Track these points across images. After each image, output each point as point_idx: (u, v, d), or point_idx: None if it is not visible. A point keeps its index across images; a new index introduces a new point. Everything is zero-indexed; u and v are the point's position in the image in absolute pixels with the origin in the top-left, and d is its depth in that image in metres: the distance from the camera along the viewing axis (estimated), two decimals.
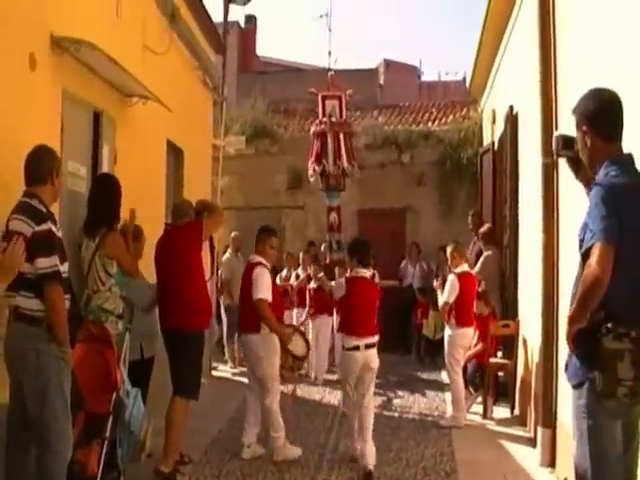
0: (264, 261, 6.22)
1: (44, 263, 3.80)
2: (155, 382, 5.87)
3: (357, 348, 5.83)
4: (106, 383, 4.61)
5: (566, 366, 3.25)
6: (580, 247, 3.12)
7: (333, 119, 9.99)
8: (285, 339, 6.16)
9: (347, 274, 6.32)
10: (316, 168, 10.01)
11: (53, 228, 3.91)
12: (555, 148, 3.72)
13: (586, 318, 3.00)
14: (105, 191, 5.12)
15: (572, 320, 3.06)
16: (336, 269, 9.32)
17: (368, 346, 5.87)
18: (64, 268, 3.98)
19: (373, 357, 5.91)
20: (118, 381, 4.66)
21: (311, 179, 10.38)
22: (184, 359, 5.57)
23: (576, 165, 3.56)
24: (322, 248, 10.78)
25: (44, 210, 3.94)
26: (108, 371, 4.63)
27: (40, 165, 4.06)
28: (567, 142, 3.58)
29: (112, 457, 4.64)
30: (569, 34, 5.72)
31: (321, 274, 9.00)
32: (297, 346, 6.46)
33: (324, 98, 10.29)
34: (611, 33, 4.60)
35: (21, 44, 4.57)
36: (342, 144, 9.90)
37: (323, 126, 10.05)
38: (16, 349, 3.87)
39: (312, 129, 10.32)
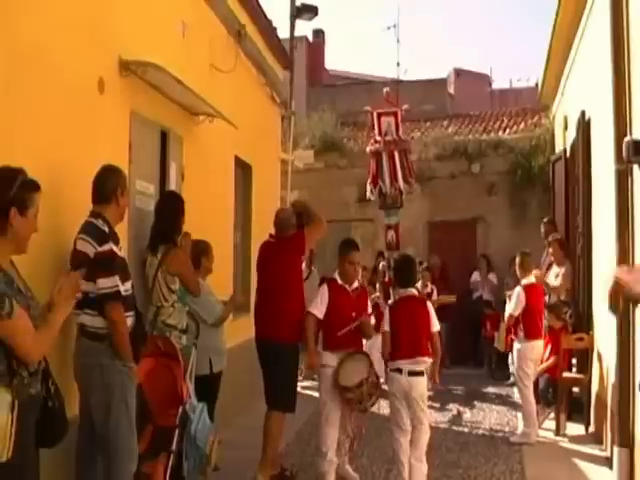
0: (336, 277, 5.89)
1: (105, 283, 3.90)
2: (223, 396, 5.95)
3: (400, 371, 5.51)
4: (173, 397, 4.69)
5: None
6: None
7: (388, 137, 9.71)
8: (310, 360, 5.78)
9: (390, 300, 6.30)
10: (373, 190, 9.83)
11: (114, 248, 4.01)
12: (626, 155, 3.59)
13: None
14: (167, 208, 5.23)
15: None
16: (391, 289, 8.94)
17: (412, 373, 5.49)
18: (126, 287, 4.08)
19: (418, 385, 5.51)
20: (184, 395, 4.73)
21: (370, 199, 10.20)
22: (279, 371, 5.75)
23: None
24: (380, 266, 10.71)
25: (107, 230, 4.04)
26: (175, 385, 4.71)
27: (105, 185, 4.18)
28: (638, 148, 3.42)
29: (178, 470, 4.71)
30: None
31: (375, 294, 8.95)
32: (353, 373, 5.52)
33: (379, 115, 10.00)
34: None
35: (90, 69, 4.73)
36: (397, 163, 9.64)
37: (378, 145, 9.81)
38: (82, 365, 4.01)
39: (368, 148, 10.11)
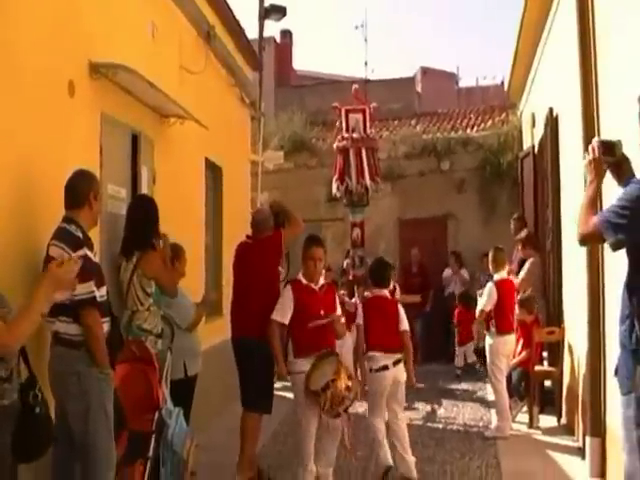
0: (300, 277, 5.58)
1: (80, 289, 3.80)
2: (197, 398, 5.93)
3: (386, 368, 5.80)
4: (148, 402, 4.65)
5: (616, 370, 3.16)
6: None
7: (355, 135, 9.60)
8: (279, 370, 5.59)
9: (365, 295, 6.43)
10: (340, 187, 9.70)
11: (89, 253, 3.95)
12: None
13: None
14: (140, 212, 5.18)
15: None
16: (355, 287, 9.16)
17: (396, 362, 5.84)
18: (102, 292, 4.04)
19: (401, 372, 5.89)
20: (160, 400, 4.71)
21: (336, 196, 10.08)
22: (255, 371, 5.71)
23: (618, 170, 3.44)
24: (345, 264, 10.65)
25: (80, 235, 3.98)
26: (150, 390, 4.67)
27: (77, 189, 4.11)
28: (607, 147, 3.46)
29: (156, 476, 4.67)
30: (610, 31, 5.62)
31: (341, 292, 8.98)
32: (321, 377, 5.19)
33: (347, 112, 9.90)
34: None
35: (60, 72, 4.68)
36: (364, 160, 9.54)
37: (345, 142, 9.71)
38: (58, 373, 3.93)
39: (335, 145, 10.01)
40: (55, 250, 3.88)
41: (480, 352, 9.83)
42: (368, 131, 9.81)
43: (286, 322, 5.46)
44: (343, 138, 9.69)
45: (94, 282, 3.92)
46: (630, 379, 2.94)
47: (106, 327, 4.06)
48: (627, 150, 3.43)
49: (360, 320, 6.02)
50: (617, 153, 3.41)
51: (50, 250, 3.91)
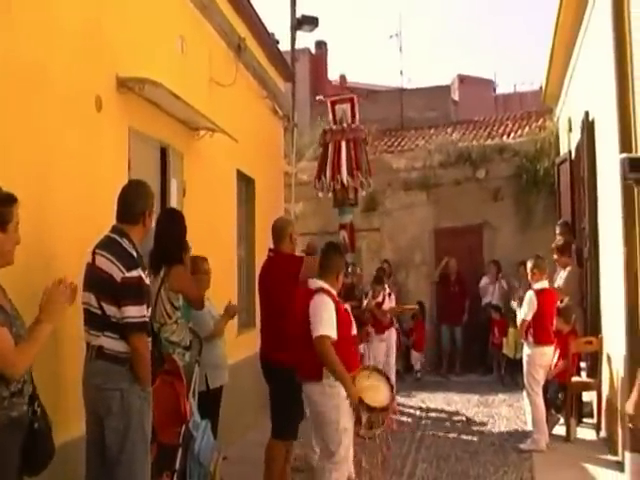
0: (326, 286, 4.94)
1: (132, 312, 3.73)
2: (227, 411, 5.91)
3: None
4: (176, 415, 4.64)
5: None
6: None
7: (335, 127, 9.02)
8: (350, 392, 4.68)
9: None
10: (316, 184, 9.17)
11: (143, 275, 3.83)
12: (622, 171, 3.52)
13: None
14: (167, 226, 5.17)
15: None
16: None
17: None
18: (149, 312, 3.97)
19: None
20: (187, 413, 4.69)
21: (319, 194, 9.51)
22: (276, 396, 5.47)
23: None
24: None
25: (134, 254, 3.87)
26: (178, 403, 4.66)
27: (135, 204, 4.01)
28: (634, 164, 3.36)
29: None
30: None
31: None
32: (376, 394, 4.82)
33: (333, 103, 9.37)
34: None
35: (88, 86, 4.73)
36: (343, 154, 8.89)
37: (325, 135, 9.26)
38: (99, 388, 3.81)
39: (319, 140, 9.49)
40: (105, 263, 3.77)
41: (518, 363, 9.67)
42: (356, 121, 9.22)
43: (336, 338, 4.74)
44: (325, 132, 9.31)
45: (146, 306, 3.83)
46: None
47: (149, 346, 4.00)
48: None
49: None
50: None
51: (97, 260, 3.80)
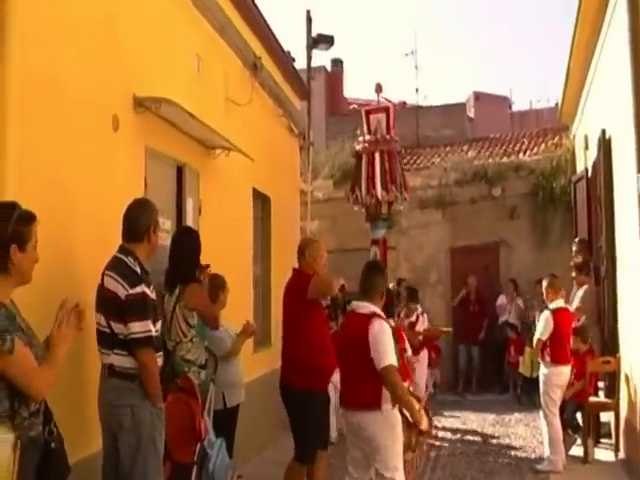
0: (378, 310, 4.73)
1: (136, 328, 3.79)
2: (243, 430, 5.89)
3: None
4: (191, 433, 4.63)
5: None
6: None
7: (370, 137, 8.53)
8: (419, 420, 4.68)
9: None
10: (350, 197, 8.76)
11: (147, 290, 3.88)
12: (639, 190, 3.51)
13: None
14: (182, 245, 5.20)
15: None
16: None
17: None
18: (157, 327, 3.99)
19: None
20: (202, 431, 4.68)
21: (354, 208, 9.18)
22: (293, 418, 5.41)
23: None
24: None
25: (138, 270, 3.92)
26: (193, 421, 4.65)
27: (137, 223, 4.07)
28: None
29: None
30: None
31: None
32: (423, 418, 4.81)
33: (368, 113, 8.93)
34: None
35: (105, 106, 4.78)
36: (377, 166, 8.47)
37: (359, 146, 8.82)
38: (111, 404, 3.88)
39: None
40: (111, 283, 3.84)
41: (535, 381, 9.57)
42: (391, 132, 8.80)
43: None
44: (359, 142, 8.92)
45: (151, 320, 3.87)
46: None
47: (160, 361, 4.02)
48: None
49: None
50: None
51: (105, 281, 3.88)
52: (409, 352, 5.74)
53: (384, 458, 4.55)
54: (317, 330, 5.38)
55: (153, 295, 3.99)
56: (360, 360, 4.53)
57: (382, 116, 8.77)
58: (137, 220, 4.07)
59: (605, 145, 8.32)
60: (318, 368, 5.31)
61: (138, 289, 3.82)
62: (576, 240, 9.79)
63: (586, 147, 10.54)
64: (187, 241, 5.21)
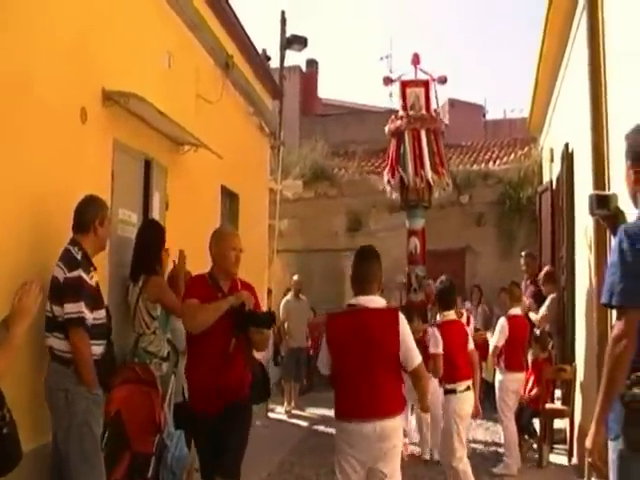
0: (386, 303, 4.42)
1: (70, 308, 3.93)
2: None
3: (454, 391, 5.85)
4: (151, 424, 4.69)
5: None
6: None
7: (415, 113, 7.55)
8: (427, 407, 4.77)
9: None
10: (391, 180, 7.76)
11: (84, 275, 4.02)
12: (590, 208, 3.64)
13: (617, 392, 2.84)
14: (146, 237, 5.26)
15: (603, 404, 2.87)
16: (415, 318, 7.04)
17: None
18: (97, 315, 4.09)
19: None
20: (162, 423, 4.74)
21: (390, 194, 8.14)
22: (237, 433, 4.46)
23: (612, 223, 3.46)
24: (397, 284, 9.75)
25: (79, 257, 4.07)
26: (153, 413, 4.71)
27: (84, 215, 4.24)
28: (602, 201, 3.50)
29: None
30: (621, 69, 5.63)
31: None
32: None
33: (404, 85, 7.92)
34: None
35: (73, 99, 4.81)
36: (424, 145, 7.57)
37: (399, 122, 7.79)
38: (50, 388, 4.02)
39: (387, 127, 7.98)
40: (57, 270, 4.01)
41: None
42: (431, 109, 7.93)
43: None
44: (397, 118, 7.93)
45: (84, 303, 3.97)
46: (616, 423, 2.89)
47: (99, 349, 4.10)
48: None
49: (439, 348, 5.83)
50: (612, 206, 3.43)
51: (54, 271, 4.03)
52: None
53: (395, 465, 4.16)
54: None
55: (92, 282, 4.10)
56: (384, 361, 4.07)
57: (420, 91, 7.91)
58: (83, 213, 4.25)
59: (568, 159, 8.48)
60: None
61: (75, 273, 3.99)
62: (523, 254, 10.06)
63: (552, 159, 10.73)
64: (149, 232, 5.29)
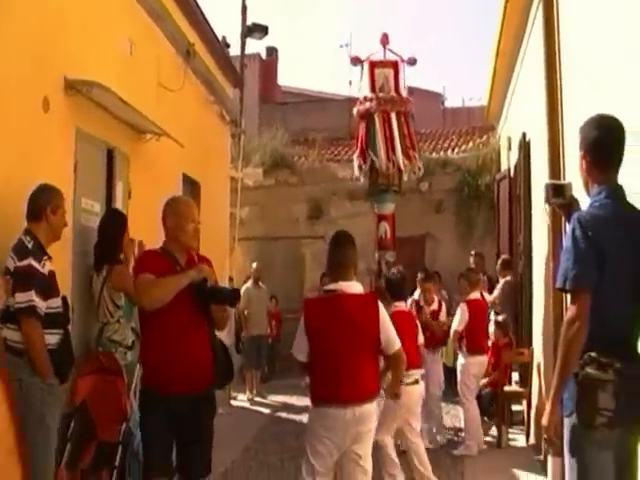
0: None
1: (20, 298, 3.88)
2: None
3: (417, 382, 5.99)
4: (117, 413, 4.72)
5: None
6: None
7: (383, 95, 7.35)
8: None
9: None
10: (362, 164, 7.63)
11: (34, 264, 3.96)
12: (545, 197, 3.75)
13: (571, 372, 2.96)
14: (108, 226, 5.26)
15: (558, 384, 2.99)
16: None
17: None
18: (50, 304, 4.05)
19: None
20: (128, 411, 4.76)
21: (358, 179, 8.04)
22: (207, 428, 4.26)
23: (567, 211, 3.58)
24: (367, 270, 9.84)
25: (30, 246, 4.01)
26: (119, 401, 4.74)
27: (35, 203, 4.19)
28: (557, 190, 3.61)
29: None
30: (575, 59, 5.78)
31: None
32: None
33: (373, 65, 7.67)
34: (617, 57, 4.62)
35: (35, 87, 4.77)
36: (394, 128, 7.39)
37: (368, 104, 7.58)
38: (9, 380, 3.90)
39: (355, 109, 7.81)
40: (8, 260, 3.97)
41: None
42: (401, 91, 7.66)
43: None
44: (365, 99, 7.72)
45: (35, 292, 3.92)
46: (571, 400, 3.03)
47: (54, 339, 4.07)
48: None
49: None
50: (567, 195, 3.55)
51: (7, 261, 3.99)
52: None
53: (368, 448, 4.18)
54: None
55: (44, 271, 4.02)
56: (364, 346, 4.11)
57: (389, 72, 7.64)
58: (35, 201, 4.21)
59: (525, 148, 8.67)
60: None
61: (25, 262, 3.94)
62: (472, 253, 10.44)
63: (509, 148, 10.94)
64: (111, 222, 5.29)
